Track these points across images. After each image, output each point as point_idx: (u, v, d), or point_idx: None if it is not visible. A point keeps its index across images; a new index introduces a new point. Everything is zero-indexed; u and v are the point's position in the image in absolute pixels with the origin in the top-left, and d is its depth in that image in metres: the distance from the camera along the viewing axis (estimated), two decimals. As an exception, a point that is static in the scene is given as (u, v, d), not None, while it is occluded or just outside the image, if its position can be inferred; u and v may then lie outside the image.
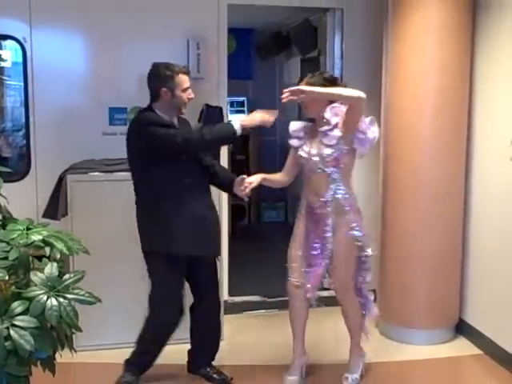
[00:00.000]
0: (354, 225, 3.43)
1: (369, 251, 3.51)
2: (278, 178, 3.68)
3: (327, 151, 3.36)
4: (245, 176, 3.44)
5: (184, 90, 3.39)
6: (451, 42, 4.02)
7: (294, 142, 3.54)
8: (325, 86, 3.34)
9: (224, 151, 4.46)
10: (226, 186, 3.62)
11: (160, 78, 3.38)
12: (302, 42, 5.84)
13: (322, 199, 3.42)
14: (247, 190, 3.41)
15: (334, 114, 3.35)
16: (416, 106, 4.07)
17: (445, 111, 4.05)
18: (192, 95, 3.44)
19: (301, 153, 3.48)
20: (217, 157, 4.12)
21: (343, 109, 3.33)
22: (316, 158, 3.40)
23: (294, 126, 3.57)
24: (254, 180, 3.44)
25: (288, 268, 3.58)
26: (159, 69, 3.41)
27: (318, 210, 3.46)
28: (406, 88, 4.10)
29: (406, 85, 4.11)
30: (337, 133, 3.34)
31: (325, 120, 3.37)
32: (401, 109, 4.15)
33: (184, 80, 3.39)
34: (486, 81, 4.04)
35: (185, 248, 3.38)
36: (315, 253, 3.46)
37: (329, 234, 3.41)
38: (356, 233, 3.43)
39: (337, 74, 4.87)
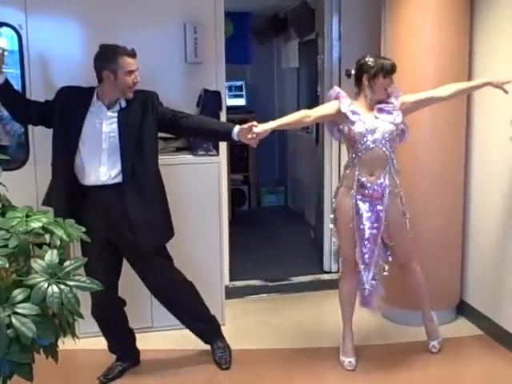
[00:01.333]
0: (404, 201, 3.59)
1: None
2: (298, 120, 3.61)
3: (389, 127, 3.45)
4: (255, 123, 3.34)
5: (128, 73, 3.31)
6: (449, 24, 3.99)
7: (350, 115, 3.48)
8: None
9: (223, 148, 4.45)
10: (221, 135, 3.60)
11: (103, 59, 3.32)
12: (299, 24, 5.81)
13: (379, 180, 3.49)
14: (256, 140, 3.37)
15: (396, 96, 3.52)
16: (414, 88, 4.02)
17: (444, 93, 4.03)
18: (138, 79, 3.36)
19: (357, 127, 3.46)
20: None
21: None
22: (377, 135, 3.44)
23: (346, 100, 3.53)
24: (261, 131, 3.35)
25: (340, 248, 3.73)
26: (103, 50, 3.35)
27: (371, 190, 3.49)
28: (405, 70, 4.06)
29: (405, 67, 4.06)
30: (398, 112, 3.48)
31: (387, 99, 3.49)
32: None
33: (129, 62, 3.32)
34: (485, 62, 4.02)
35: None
36: (374, 232, 3.52)
37: (382, 214, 3.51)
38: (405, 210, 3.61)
39: (335, 56, 4.87)
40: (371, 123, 3.45)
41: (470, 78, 4.10)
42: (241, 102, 7.28)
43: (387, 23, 4.23)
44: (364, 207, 3.50)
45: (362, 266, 3.54)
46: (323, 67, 4.99)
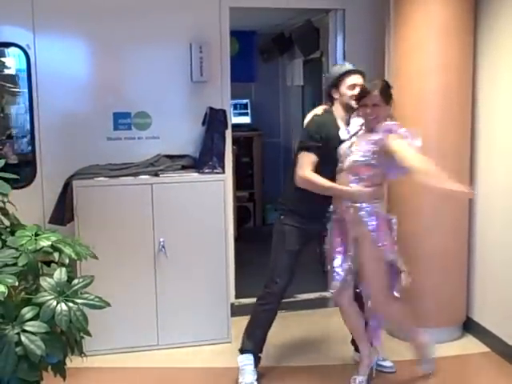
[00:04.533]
0: (374, 234, 3.38)
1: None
2: None
3: (355, 157, 3.36)
4: None
5: None
6: (453, 41, 4.02)
7: (342, 132, 3.51)
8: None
9: (229, 154, 4.47)
10: None
11: None
12: (304, 43, 5.85)
13: (345, 204, 3.41)
14: None
15: (386, 131, 3.33)
16: (419, 106, 4.07)
17: (448, 110, 4.06)
18: None
19: (341, 146, 3.46)
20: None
21: (400, 130, 3.32)
22: (349, 159, 3.40)
23: (354, 121, 3.54)
24: None
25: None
26: None
27: (342, 215, 3.45)
28: (409, 87, 4.11)
29: (409, 84, 4.11)
30: (371, 146, 3.32)
31: (374, 130, 3.37)
32: (403, 108, 4.13)
33: None
34: (490, 78, 4.04)
35: None
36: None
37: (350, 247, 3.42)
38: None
39: (339, 74, 4.88)
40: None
41: (474, 94, 4.12)
42: (246, 119, 7.32)
43: (392, 41, 4.27)
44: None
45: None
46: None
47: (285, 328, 4.36)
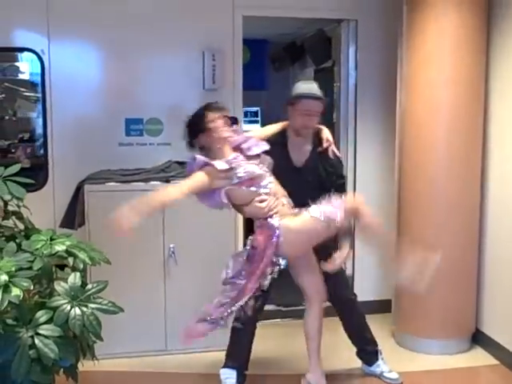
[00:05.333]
0: None
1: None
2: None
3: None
4: None
5: None
6: (466, 54, 4.03)
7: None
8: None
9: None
10: None
11: None
12: (316, 52, 5.86)
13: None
14: None
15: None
16: (431, 117, 4.08)
17: (460, 122, 4.06)
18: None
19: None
20: None
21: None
22: None
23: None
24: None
25: None
26: None
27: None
28: (422, 99, 4.11)
29: (422, 95, 4.12)
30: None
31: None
32: (416, 119, 4.16)
33: None
34: (502, 91, 4.05)
35: None
36: None
37: None
38: None
39: (351, 84, 4.90)
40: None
41: (486, 106, 4.13)
42: (256, 127, 7.32)
43: (404, 52, 4.28)
44: None
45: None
46: (339, 95, 5.03)
47: (293, 336, 4.36)
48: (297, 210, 3.25)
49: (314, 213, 3.11)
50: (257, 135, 3.53)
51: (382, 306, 4.77)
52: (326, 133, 3.60)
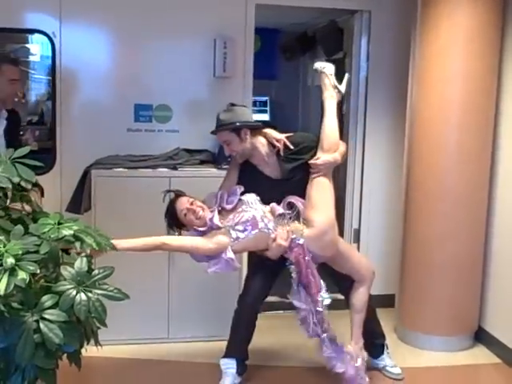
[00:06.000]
0: None
1: None
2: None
3: None
4: None
5: (9, 82, 3.21)
6: (479, 49, 3.99)
7: None
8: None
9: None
10: None
11: None
12: (327, 43, 5.82)
13: None
14: None
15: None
16: (442, 111, 4.05)
17: (470, 115, 4.03)
18: (18, 88, 3.29)
19: None
20: None
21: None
22: None
23: None
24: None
25: None
26: None
27: None
28: (433, 92, 4.09)
29: (433, 89, 4.09)
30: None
31: None
32: (426, 113, 4.13)
33: (11, 71, 3.22)
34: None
35: None
36: None
37: None
38: None
39: (362, 76, 4.87)
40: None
41: (497, 101, 4.10)
42: (265, 117, 7.29)
43: (417, 46, 4.24)
44: None
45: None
46: (350, 86, 5.00)
47: (295, 328, 4.35)
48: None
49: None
50: (225, 187, 3.49)
51: (386, 301, 4.75)
52: (270, 135, 3.49)
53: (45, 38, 4.29)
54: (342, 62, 5.38)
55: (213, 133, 3.48)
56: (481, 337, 4.29)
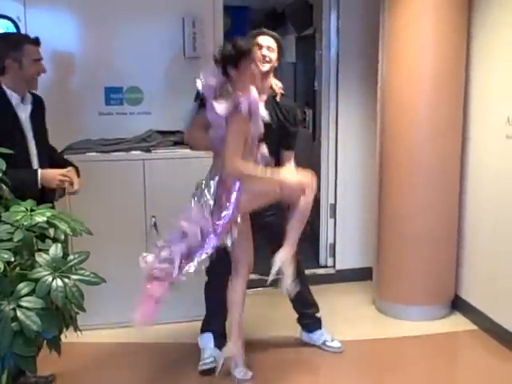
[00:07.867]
0: None
1: None
2: None
3: None
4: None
5: (34, 62, 3.20)
6: (447, 19, 4.01)
7: None
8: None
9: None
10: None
11: (6, 47, 3.13)
12: (297, 19, 5.81)
13: None
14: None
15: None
16: (412, 84, 4.08)
17: (441, 89, 4.06)
18: (42, 68, 3.24)
19: None
20: None
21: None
22: None
23: None
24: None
25: None
26: (6, 37, 3.25)
27: None
28: (403, 66, 4.10)
29: (403, 62, 4.10)
30: None
31: None
32: (397, 87, 4.15)
33: (33, 51, 3.20)
34: (483, 58, 4.04)
35: None
36: None
37: None
38: None
39: (333, 51, 4.87)
40: None
41: (467, 74, 4.12)
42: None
43: (386, 19, 4.24)
44: None
45: None
46: (321, 62, 5.00)
47: (275, 305, 4.39)
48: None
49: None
50: None
51: (363, 274, 4.83)
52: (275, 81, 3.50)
53: (10, 23, 4.21)
54: (313, 37, 5.37)
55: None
56: (457, 304, 4.37)
